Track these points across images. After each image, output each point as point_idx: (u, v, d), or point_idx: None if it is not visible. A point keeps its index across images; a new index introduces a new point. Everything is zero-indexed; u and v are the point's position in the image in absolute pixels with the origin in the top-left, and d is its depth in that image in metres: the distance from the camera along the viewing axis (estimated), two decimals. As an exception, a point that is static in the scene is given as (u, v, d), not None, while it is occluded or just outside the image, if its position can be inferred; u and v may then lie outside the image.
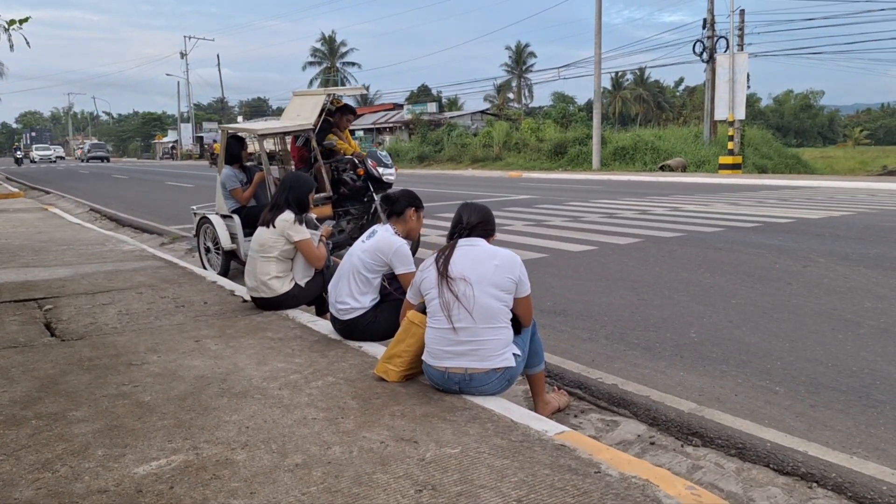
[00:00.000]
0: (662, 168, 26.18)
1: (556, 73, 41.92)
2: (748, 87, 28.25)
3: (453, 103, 64.55)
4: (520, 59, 74.01)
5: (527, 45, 74.00)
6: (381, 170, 7.26)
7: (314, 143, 7.14)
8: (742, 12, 29.49)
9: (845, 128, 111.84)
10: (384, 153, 7.52)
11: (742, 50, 28.64)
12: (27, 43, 9.03)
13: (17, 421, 2.84)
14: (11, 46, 9.17)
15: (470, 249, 3.24)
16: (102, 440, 2.62)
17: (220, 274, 6.65)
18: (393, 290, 4.00)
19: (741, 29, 29.58)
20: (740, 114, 25.62)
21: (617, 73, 73.84)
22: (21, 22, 8.40)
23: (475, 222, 3.33)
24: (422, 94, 70.73)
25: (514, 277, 3.17)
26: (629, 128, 52.04)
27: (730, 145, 24.61)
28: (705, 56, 28.96)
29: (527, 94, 74.53)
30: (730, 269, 6.57)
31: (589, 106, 40.27)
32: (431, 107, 49.50)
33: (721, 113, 25.87)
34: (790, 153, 34.82)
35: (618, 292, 5.81)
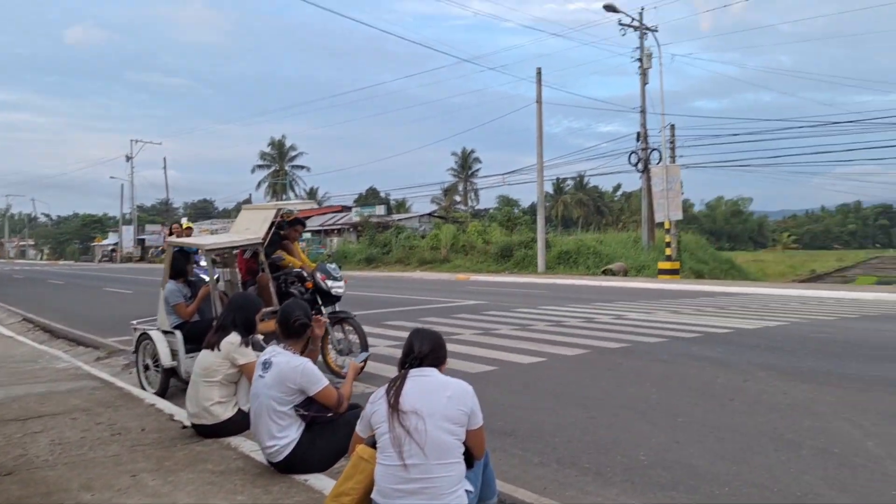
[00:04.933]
0: (605, 272, 26.91)
1: (501, 179, 43.20)
2: (682, 193, 29.70)
3: (402, 205, 65.76)
4: (466, 164, 76.48)
5: (472, 151, 76.75)
6: (329, 283, 7.27)
7: (262, 257, 7.13)
8: (672, 127, 31.41)
9: (774, 232, 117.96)
10: (333, 266, 7.56)
11: (674, 162, 30.32)
12: None
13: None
14: None
15: (422, 380, 3.22)
16: None
17: (158, 393, 6.41)
18: (313, 413, 3.86)
19: (672, 142, 31.41)
20: (677, 219, 26.80)
21: (558, 178, 76.80)
22: None
23: (426, 351, 3.32)
24: (371, 197, 71.95)
25: (467, 409, 3.15)
26: (571, 230, 53.71)
27: (667, 251, 25.60)
28: (640, 166, 30.51)
29: (473, 197, 76.58)
30: (675, 384, 6.69)
31: (533, 209, 41.59)
32: (380, 209, 50.30)
33: (659, 218, 27.05)
34: (724, 257, 36.39)
35: (568, 410, 5.82)
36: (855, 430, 4.96)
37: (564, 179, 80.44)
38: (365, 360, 5.33)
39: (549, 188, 75.22)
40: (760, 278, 34.37)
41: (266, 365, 3.83)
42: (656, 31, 29.02)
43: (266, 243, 7.21)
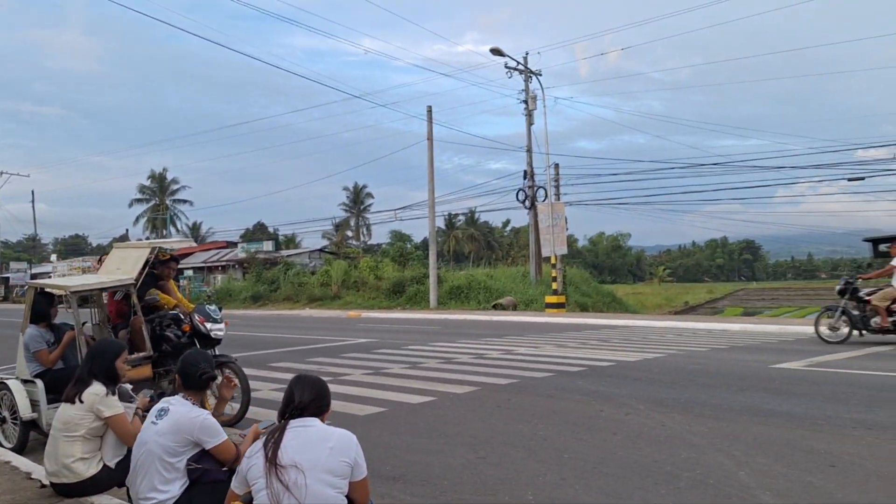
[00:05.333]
0: (495, 306, 27.37)
1: (394, 215, 43.29)
2: (567, 229, 30.88)
3: (291, 241, 64.35)
4: (357, 199, 76.21)
5: (364, 186, 76.70)
6: (209, 325, 6.92)
7: (134, 299, 6.68)
8: (557, 166, 32.75)
9: (651, 266, 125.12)
10: (213, 307, 7.20)
11: (559, 199, 31.55)
12: None
13: None
14: None
15: (302, 431, 3.07)
16: None
17: (15, 449, 5.83)
18: (204, 468, 3.63)
19: (557, 180, 32.72)
20: (562, 253, 27.75)
21: (450, 213, 78.01)
22: None
23: (308, 401, 3.17)
24: (258, 232, 69.98)
25: (350, 461, 3.03)
26: (463, 265, 54.39)
27: (554, 285, 26.40)
28: (527, 203, 31.49)
29: (365, 232, 76.27)
30: (561, 419, 6.79)
31: (425, 244, 41.84)
32: (268, 245, 48.98)
33: (545, 253, 27.93)
34: (606, 291, 37.94)
35: (457, 450, 5.76)
36: (728, 461, 5.19)
37: (456, 215, 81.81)
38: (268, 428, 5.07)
39: (440, 223, 76.13)
40: (640, 310, 36.11)
41: (162, 412, 3.59)
42: (540, 74, 30.29)
43: (139, 284, 6.78)
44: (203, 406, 3.76)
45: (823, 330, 12.85)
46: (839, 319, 12.62)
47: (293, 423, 3.10)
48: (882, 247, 13.38)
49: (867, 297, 12.30)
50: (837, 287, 13.00)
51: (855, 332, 12.39)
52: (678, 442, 5.82)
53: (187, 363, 3.82)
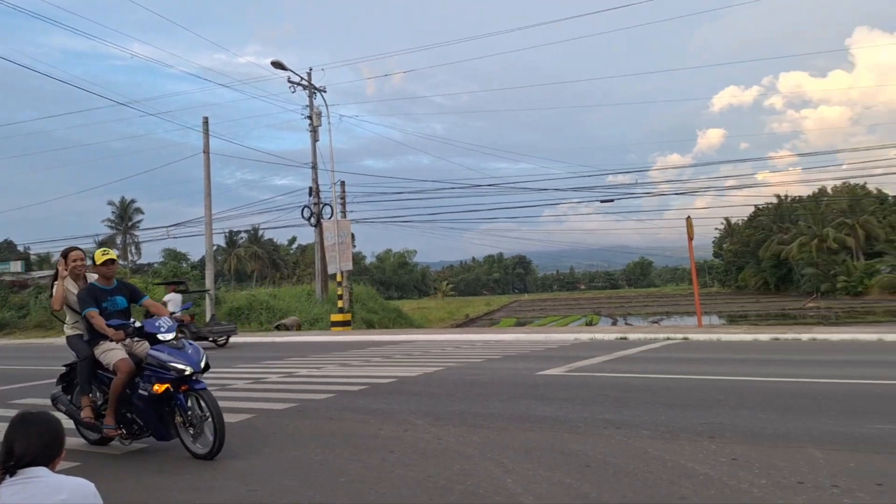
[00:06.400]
0: (278, 327, 26.54)
1: (166, 232, 40.32)
2: (354, 246, 30.96)
3: (45, 261, 57.22)
4: (126, 215, 70.04)
5: (133, 201, 70.69)
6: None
7: None
8: (343, 184, 32.81)
9: (435, 281, 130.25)
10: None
11: (345, 216, 31.58)
12: None
13: None
14: None
15: (24, 488, 2.59)
16: None
17: None
18: None
19: (343, 198, 32.75)
20: (348, 269, 27.73)
21: (231, 231, 74.60)
22: None
23: (36, 451, 2.67)
24: (5, 251, 61.33)
25: (86, 514, 2.62)
26: (245, 285, 52.23)
27: (339, 303, 26.27)
28: (313, 221, 31.06)
29: (134, 250, 70.24)
30: (340, 442, 6.65)
31: (203, 263, 39.47)
32: (16, 265, 43.12)
33: (331, 270, 27.71)
34: (392, 307, 38.67)
35: (227, 484, 5.36)
36: (497, 469, 5.41)
37: (238, 232, 78.49)
38: None
39: (220, 241, 72.44)
40: (424, 325, 37.24)
41: None
42: (325, 91, 30.19)
43: None
44: None
45: None
46: None
47: (9, 481, 2.60)
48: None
49: None
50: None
51: None
52: (452, 455, 5.96)
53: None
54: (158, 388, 6.01)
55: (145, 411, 6.18)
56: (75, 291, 6.70)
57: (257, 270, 75.59)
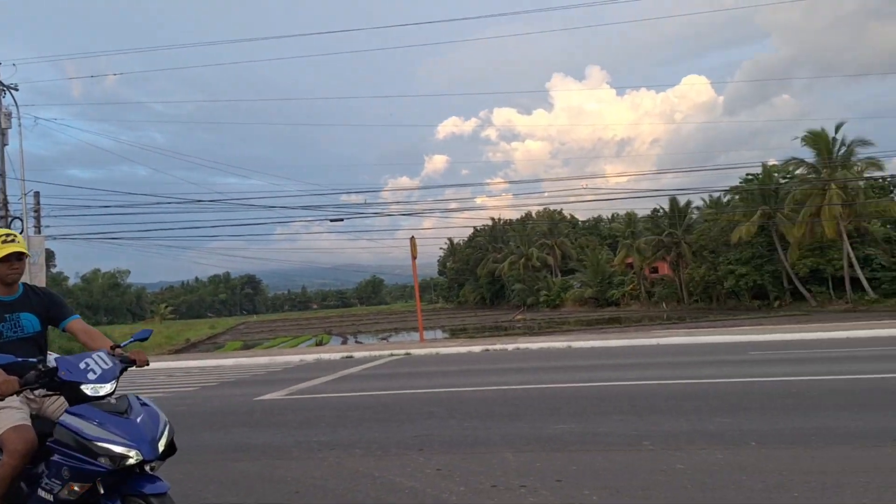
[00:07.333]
0: None
1: None
2: (54, 265, 27.17)
3: None
4: None
5: None
6: None
7: None
8: (37, 195, 28.76)
9: (152, 304, 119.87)
10: None
11: (40, 232, 27.70)
12: None
13: None
14: None
15: None
16: None
17: None
18: None
19: (37, 211, 28.66)
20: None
21: None
22: None
23: None
24: None
25: None
26: None
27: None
28: (-4, 236, 26.68)
29: None
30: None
31: None
32: None
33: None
34: (105, 332, 34.61)
35: None
36: (196, 508, 4.97)
37: None
38: None
39: None
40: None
41: None
42: (16, 89, 26.21)
43: None
44: None
45: None
46: None
47: None
48: None
49: None
50: None
51: None
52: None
53: None
54: (76, 487, 3.08)
55: None
56: None
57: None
